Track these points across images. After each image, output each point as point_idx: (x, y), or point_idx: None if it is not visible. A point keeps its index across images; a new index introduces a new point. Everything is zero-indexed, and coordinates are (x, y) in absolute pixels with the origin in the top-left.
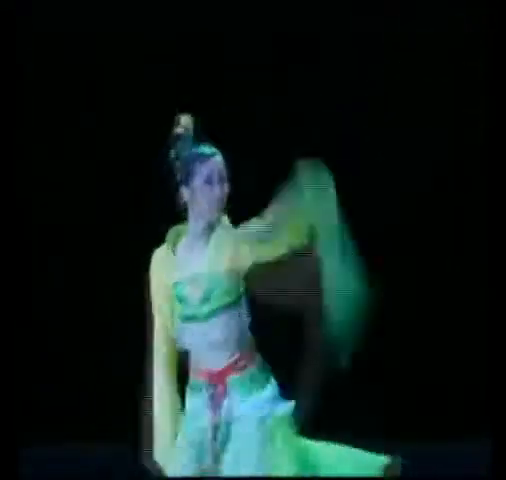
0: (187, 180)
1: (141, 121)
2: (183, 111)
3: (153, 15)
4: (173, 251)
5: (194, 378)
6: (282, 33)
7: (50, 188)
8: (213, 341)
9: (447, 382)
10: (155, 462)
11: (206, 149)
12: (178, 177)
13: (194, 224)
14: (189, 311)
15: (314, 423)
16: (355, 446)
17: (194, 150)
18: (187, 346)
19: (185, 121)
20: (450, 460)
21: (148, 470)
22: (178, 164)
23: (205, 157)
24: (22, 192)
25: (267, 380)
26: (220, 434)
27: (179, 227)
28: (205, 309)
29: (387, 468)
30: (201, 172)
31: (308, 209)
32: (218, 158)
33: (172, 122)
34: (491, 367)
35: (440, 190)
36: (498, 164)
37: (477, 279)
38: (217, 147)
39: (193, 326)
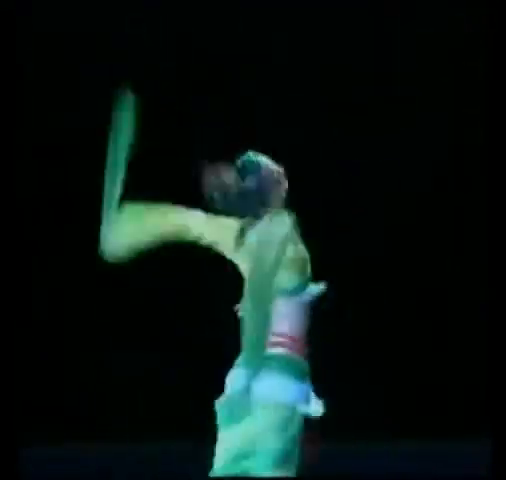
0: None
1: (141, 120)
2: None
3: (153, 15)
4: None
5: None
6: (281, 33)
7: (48, 187)
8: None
9: (447, 382)
10: None
11: (248, 183)
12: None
13: None
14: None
15: (315, 423)
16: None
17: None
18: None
19: (223, 177)
20: (450, 460)
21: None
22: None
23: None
24: (22, 192)
25: None
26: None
27: None
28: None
29: None
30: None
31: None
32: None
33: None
34: (491, 368)
35: (440, 190)
36: (498, 164)
37: (477, 279)
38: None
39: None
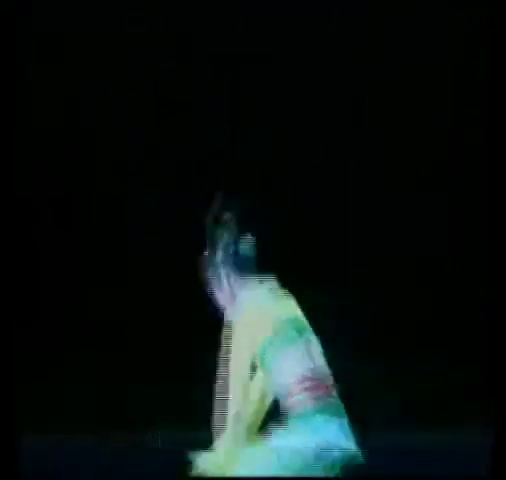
0: None
1: (140, 120)
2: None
3: (153, 15)
4: None
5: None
6: (281, 33)
7: (48, 187)
8: None
9: (449, 372)
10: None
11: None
12: None
13: None
14: None
15: None
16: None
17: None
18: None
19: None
20: (451, 452)
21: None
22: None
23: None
24: (22, 192)
25: None
26: None
27: None
28: None
29: None
30: None
31: None
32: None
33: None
34: (492, 360)
35: (440, 190)
36: (498, 164)
37: (477, 274)
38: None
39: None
